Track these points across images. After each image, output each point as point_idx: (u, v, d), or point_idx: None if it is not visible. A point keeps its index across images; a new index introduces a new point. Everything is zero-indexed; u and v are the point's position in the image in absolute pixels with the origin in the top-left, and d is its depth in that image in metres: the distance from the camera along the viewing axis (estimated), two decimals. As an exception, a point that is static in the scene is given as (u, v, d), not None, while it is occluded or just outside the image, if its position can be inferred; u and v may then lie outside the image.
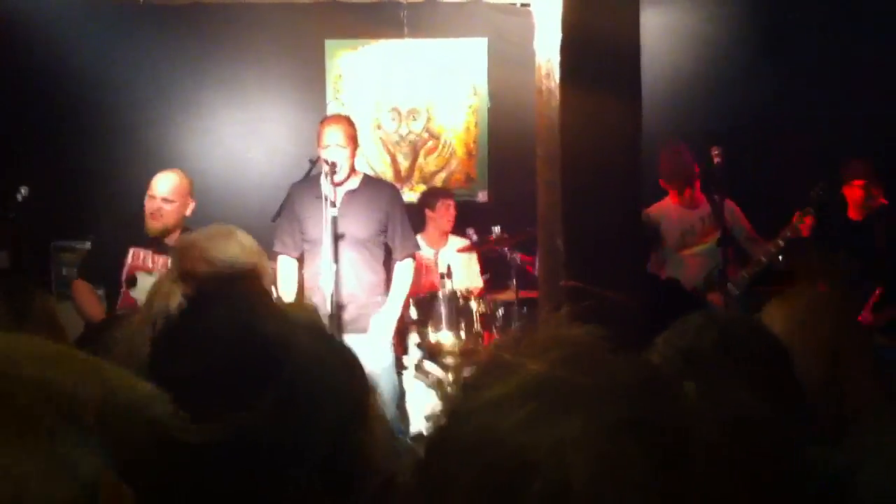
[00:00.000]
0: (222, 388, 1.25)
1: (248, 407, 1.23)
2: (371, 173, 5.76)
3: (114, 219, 5.03)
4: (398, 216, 4.64)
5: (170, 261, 3.27)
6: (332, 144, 4.41)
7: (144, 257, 4.35)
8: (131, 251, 4.34)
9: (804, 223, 4.72)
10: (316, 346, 1.39)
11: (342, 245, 4.41)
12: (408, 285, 4.68)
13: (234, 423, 1.23)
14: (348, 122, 4.61)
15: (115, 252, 4.36)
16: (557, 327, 0.95)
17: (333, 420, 1.36)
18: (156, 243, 4.32)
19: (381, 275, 4.63)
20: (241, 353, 1.28)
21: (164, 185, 4.36)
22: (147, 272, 4.29)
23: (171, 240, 4.24)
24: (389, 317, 4.56)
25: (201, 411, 1.23)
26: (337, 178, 4.37)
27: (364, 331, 4.47)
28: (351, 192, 4.54)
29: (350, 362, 1.47)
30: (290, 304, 3.10)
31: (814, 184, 4.84)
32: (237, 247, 2.88)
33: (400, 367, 5.11)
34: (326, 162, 4.31)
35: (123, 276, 4.30)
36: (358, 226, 4.49)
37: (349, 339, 4.39)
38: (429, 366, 5.22)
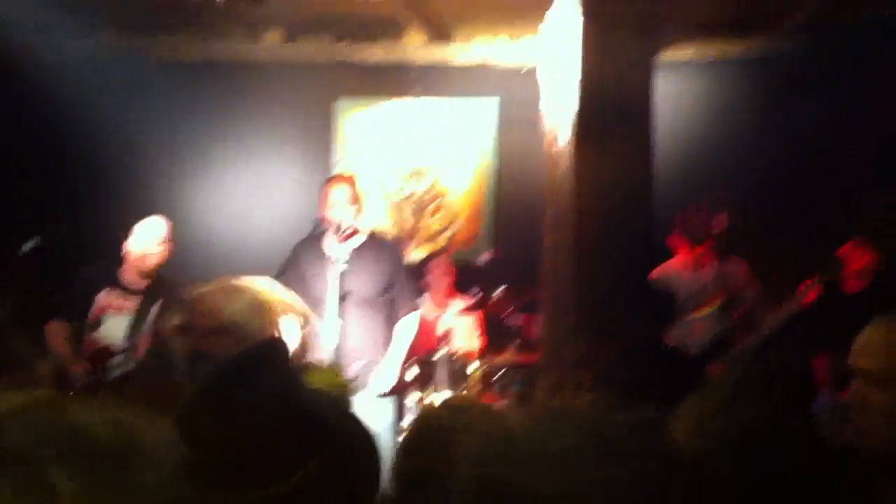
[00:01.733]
0: (261, 459, 1.23)
1: (282, 482, 1.22)
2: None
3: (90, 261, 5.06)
4: (403, 274, 4.68)
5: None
6: (340, 203, 4.45)
7: (114, 299, 4.47)
8: (103, 292, 4.45)
9: (808, 296, 4.71)
10: (346, 425, 1.37)
11: (347, 302, 4.42)
12: (409, 340, 4.68)
13: (269, 496, 1.21)
14: (353, 181, 4.67)
15: (89, 292, 4.47)
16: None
17: (362, 494, 1.34)
18: (124, 286, 4.48)
19: (385, 333, 4.61)
20: (282, 427, 1.25)
21: (155, 231, 4.56)
22: (115, 313, 4.42)
23: (142, 284, 4.44)
24: (389, 370, 4.55)
25: (233, 479, 1.20)
26: (342, 236, 4.41)
27: (367, 388, 4.47)
28: (357, 250, 4.55)
29: (372, 442, 1.45)
30: (317, 373, 3.09)
31: (821, 249, 4.84)
32: (241, 303, 2.88)
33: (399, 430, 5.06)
34: (332, 221, 4.34)
35: (90, 317, 4.42)
36: (363, 283, 4.49)
37: (354, 398, 4.38)
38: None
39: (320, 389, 1.40)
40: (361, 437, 1.42)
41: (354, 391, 4.23)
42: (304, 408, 1.30)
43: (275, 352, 1.35)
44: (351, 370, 4.41)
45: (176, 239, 5.05)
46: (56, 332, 4.46)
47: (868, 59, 5.84)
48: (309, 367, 3.14)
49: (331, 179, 4.78)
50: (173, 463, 1.03)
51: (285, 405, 1.27)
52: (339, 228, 4.34)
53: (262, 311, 2.82)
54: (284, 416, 1.26)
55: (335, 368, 3.26)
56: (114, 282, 4.50)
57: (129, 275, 4.54)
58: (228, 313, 2.74)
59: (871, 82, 5.85)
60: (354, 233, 4.50)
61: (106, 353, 4.29)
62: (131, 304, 4.43)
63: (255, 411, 1.25)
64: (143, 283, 4.49)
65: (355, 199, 4.54)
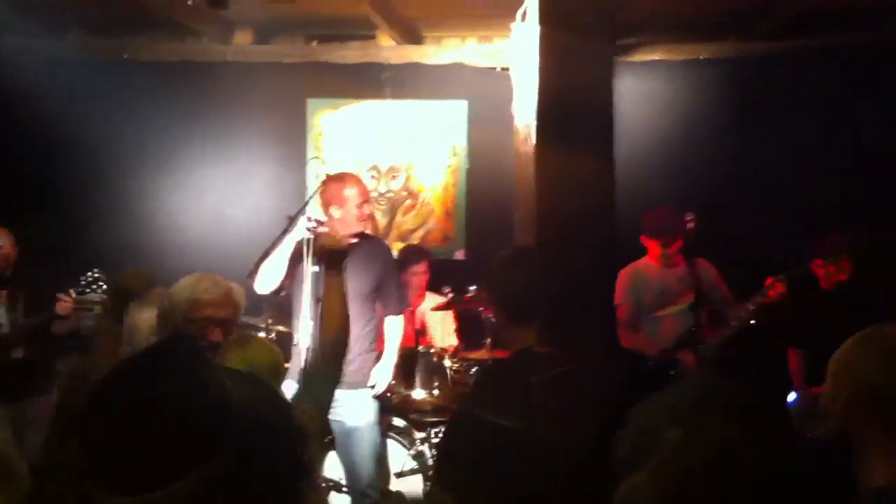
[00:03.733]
0: (163, 457, 1.24)
1: (189, 476, 1.22)
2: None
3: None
4: (392, 274, 4.74)
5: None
6: (354, 203, 4.53)
7: None
8: None
9: (775, 290, 4.79)
10: (259, 410, 1.38)
11: (333, 301, 4.44)
12: (401, 337, 4.76)
13: (174, 494, 1.22)
14: (361, 181, 4.72)
15: None
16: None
17: (278, 486, 1.35)
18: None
19: (371, 331, 4.65)
20: (180, 422, 1.26)
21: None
22: None
23: None
24: (387, 367, 4.64)
25: (142, 479, 1.23)
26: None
27: (356, 385, 4.52)
28: (349, 247, 4.58)
29: (293, 423, 1.46)
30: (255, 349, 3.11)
31: (788, 248, 4.92)
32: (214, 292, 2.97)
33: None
34: (310, 219, 4.34)
35: None
36: (353, 282, 4.52)
37: (341, 394, 4.41)
38: (401, 423, 5.21)
39: (239, 381, 1.40)
40: (278, 419, 1.43)
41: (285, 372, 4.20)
42: (204, 405, 1.30)
43: (175, 350, 1.35)
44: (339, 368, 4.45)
45: (149, 237, 5.11)
46: None
47: (833, 69, 5.94)
48: (248, 344, 3.19)
49: (342, 178, 4.70)
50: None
51: (184, 404, 1.28)
52: (319, 226, 4.32)
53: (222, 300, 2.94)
54: (182, 416, 1.27)
55: (271, 346, 3.30)
56: None
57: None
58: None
59: (841, 82, 5.94)
60: (360, 234, 4.55)
61: None
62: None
63: (150, 412, 1.26)
64: None
65: (367, 200, 4.61)
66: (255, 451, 1.30)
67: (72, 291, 5.01)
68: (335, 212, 4.51)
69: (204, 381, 1.33)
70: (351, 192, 4.54)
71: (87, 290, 5.00)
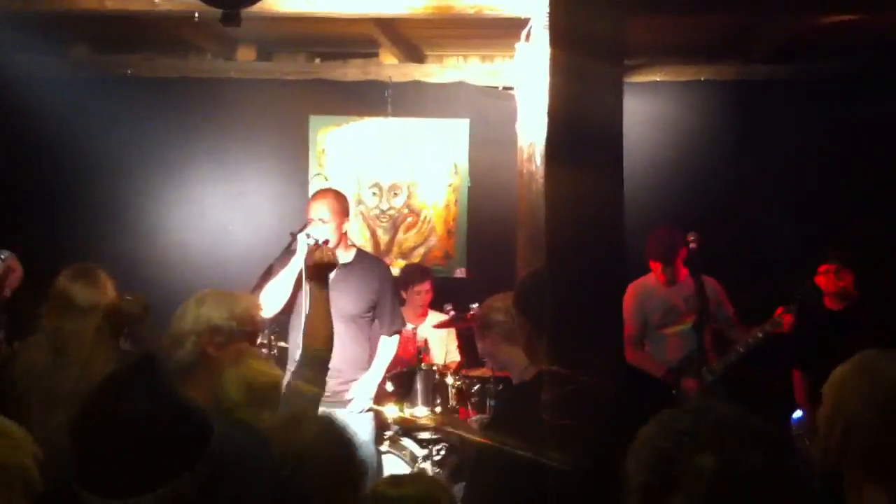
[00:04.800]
0: (143, 465, 1.30)
1: (169, 483, 1.30)
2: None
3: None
4: (389, 294, 4.69)
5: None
6: (316, 219, 4.44)
7: None
8: None
9: (784, 320, 4.80)
10: (233, 427, 1.44)
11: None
12: (391, 358, 4.74)
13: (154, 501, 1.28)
14: (335, 195, 4.61)
15: None
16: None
17: (251, 498, 1.40)
18: None
19: (367, 350, 4.64)
20: (162, 431, 1.33)
21: None
22: None
23: None
24: (369, 385, 4.58)
25: (122, 487, 1.29)
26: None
27: (347, 404, 4.48)
28: (345, 266, 4.55)
29: (264, 441, 1.51)
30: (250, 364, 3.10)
31: (790, 270, 4.93)
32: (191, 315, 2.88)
33: (379, 440, 5.08)
34: (308, 236, 4.33)
35: None
36: (349, 301, 4.51)
37: (334, 412, 4.40)
38: (404, 440, 5.20)
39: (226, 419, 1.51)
40: (252, 436, 1.49)
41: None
42: (178, 421, 1.36)
43: (150, 366, 1.42)
44: (330, 387, 4.44)
45: (151, 253, 4.97)
46: None
47: (835, 90, 5.98)
48: (245, 362, 3.17)
49: (312, 196, 4.77)
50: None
51: (165, 409, 1.35)
52: (316, 245, 4.32)
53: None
54: (158, 429, 1.33)
55: (267, 362, 3.30)
56: None
57: None
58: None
59: (838, 112, 5.98)
60: (323, 245, 4.44)
61: None
62: None
63: (131, 423, 1.32)
64: None
65: (335, 214, 4.48)
66: (226, 479, 1.36)
67: None
68: (308, 228, 4.45)
69: (189, 407, 1.41)
70: (316, 208, 4.47)
71: None
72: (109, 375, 1.46)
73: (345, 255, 4.58)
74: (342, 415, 4.44)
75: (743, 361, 4.95)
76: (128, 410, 1.33)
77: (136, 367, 1.40)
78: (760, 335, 4.85)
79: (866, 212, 5.78)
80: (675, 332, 5.08)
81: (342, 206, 4.56)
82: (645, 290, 5.16)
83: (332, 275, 4.47)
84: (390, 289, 4.74)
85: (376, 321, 4.69)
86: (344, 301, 4.48)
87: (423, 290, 5.80)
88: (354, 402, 4.51)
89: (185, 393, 1.45)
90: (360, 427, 4.54)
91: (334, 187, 5.16)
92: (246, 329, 2.90)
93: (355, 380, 4.55)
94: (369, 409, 4.62)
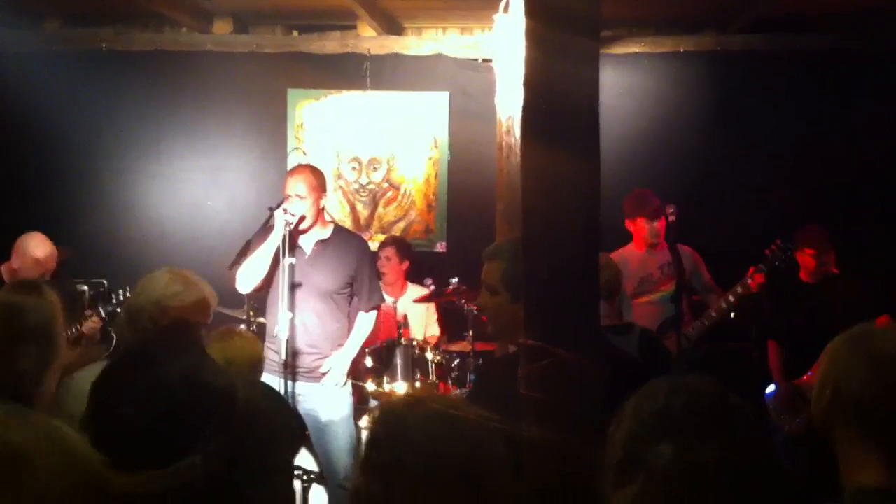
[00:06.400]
0: (167, 438, 1.29)
1: (192, 456, 1.28)
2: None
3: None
4: (367, 269, 4.66)
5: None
6: (293, 195, 4.40)
7: None
8: None
9: (755, 280, 4.83)
10: (255, 397, 1.43)
11: (308, 294, 4.41)
12: (367, 334, 4.71)
13: (176, 473, 1.26)
14: (311, 171, 4.57)
15: None
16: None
17: (274, 470, 1.40)
18: None
19: (345, 326, 4.63)
20: (186, 404, 1.32)
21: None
22: None
23: None
24: (343, 359, 4.56)
25: (145, 459, 1.27)
26: (301, 227, 4.39)
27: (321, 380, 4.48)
28: (322, 242, 4.53)
29: (288, 412, 1.52)
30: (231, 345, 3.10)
31: (767, 241, 4.95)
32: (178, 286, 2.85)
33: (358, 416, 5.08)
34: (286, 211, 4.30)
35: None
36: (326, 277, 4.49)
37: (309, 388, 4.40)
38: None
39: (236, 367, 1.49)
40: (275, 408, 1.49)
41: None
42: (207, 389, 1.35)
43: (180, 334, 1.41)
44: (308, 362, 4.44)
45: (128, 228, 4.92)
46: None
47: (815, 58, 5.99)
48: (230, 338, 3.16)
49: (289, 171, 4.74)
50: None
51: (187, 386, 1.34)
52: (292, 220, 4.30)
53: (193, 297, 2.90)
54: (186, 397, 1.32)
55: (252, 340, 3.28)
56: None
57: None
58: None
59: (817, 85, 6.00)
60: (300, 221, 4.41)
61: None
62: None
63: (157, 392, 1.31)
64: None
65: (312, 190, 4.43)
66: (255, 438, 1.34)
67: (101, 310, 4.78)
68: (285, 203, 4.38)
69: (213, 370, 1.40)
70: (293, 184, 4.42)
71: (118, 311, 4.66)
72: (140, 340, 1.45)
73: (322, 231, 4.56)
74: (318, 390, 4.45)
75: (719, 330, 4.98)
76: (160, 375, 1.33)
77: (166, 333, 1.40)
78: (733, 298, 4.89)
79: (846, 184, 5.81)
80: (649, 301, 5.11)
81: (319, 182, 4.52)
82: (621, 260, 5.17)
83: (309, 251, 4.49)
84: (368, 264, 4.71)
85: (354, 297, 4.67)
86: (321, 277, 4.47)
87: (384, 255, 5.79)
88: (328, 375, 4.49)
89: (212, 361, 1.44)
90: (338, 402, 4.55)
91: (311, 163, 5.12)
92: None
93: (334, 350, 4.54)
94: (346, 384, 4.61)
